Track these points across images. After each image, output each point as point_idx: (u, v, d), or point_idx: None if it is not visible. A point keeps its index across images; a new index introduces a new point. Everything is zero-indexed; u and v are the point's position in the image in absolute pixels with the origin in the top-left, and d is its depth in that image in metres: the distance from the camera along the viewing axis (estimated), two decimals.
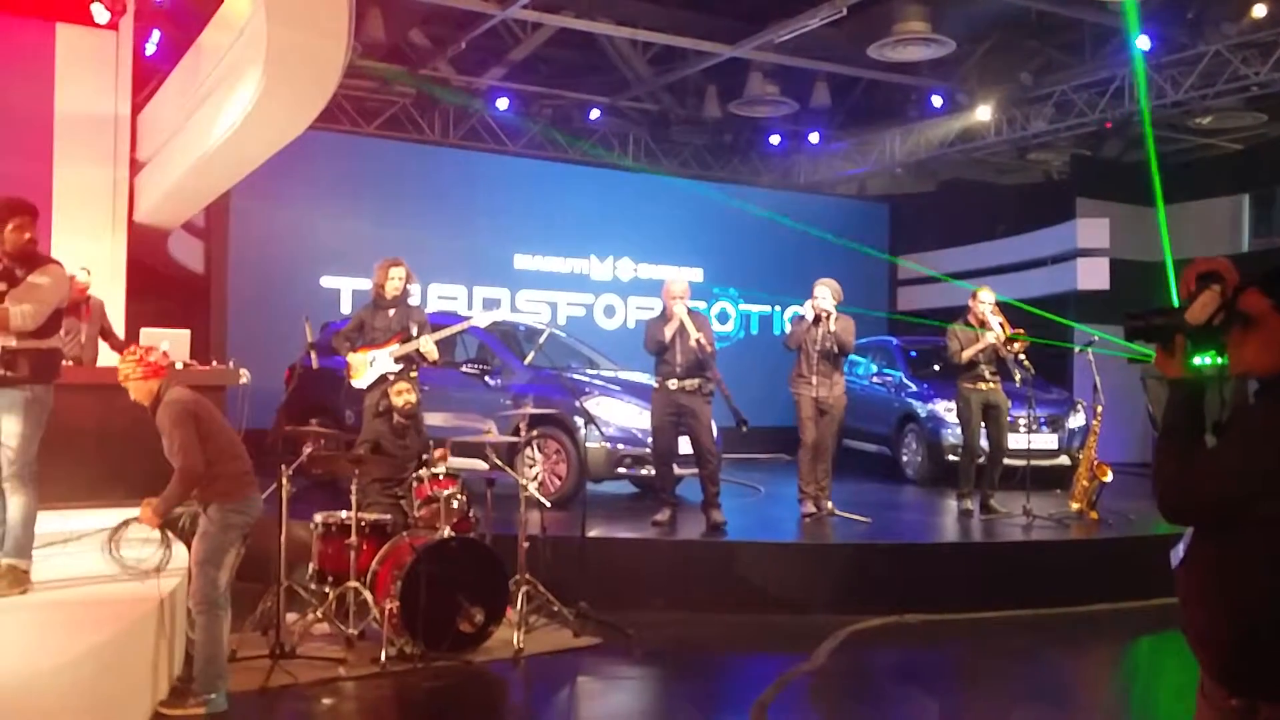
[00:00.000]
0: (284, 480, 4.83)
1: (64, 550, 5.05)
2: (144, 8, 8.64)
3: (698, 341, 6.70)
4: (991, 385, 7.55)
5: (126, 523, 4.35)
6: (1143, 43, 9.46)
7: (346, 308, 10.92)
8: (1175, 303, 2.04)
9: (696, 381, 6.81)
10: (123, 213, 8.57)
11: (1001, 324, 7.53)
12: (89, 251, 7.95)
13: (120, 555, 4.27)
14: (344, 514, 5.22)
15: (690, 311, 6.88)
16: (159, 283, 9.80)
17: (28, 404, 4.29)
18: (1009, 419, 7.75)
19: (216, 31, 7.04)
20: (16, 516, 4.29)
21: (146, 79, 9.10)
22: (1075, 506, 7.64)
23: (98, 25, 8.28)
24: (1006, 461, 7.76)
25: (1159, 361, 2.05)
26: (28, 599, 4.24)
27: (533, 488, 5.71)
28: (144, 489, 4.23)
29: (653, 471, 7.30)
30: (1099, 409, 7.85)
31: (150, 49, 9.25)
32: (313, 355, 6.81)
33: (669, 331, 6.78)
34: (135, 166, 8.72)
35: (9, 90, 8.00)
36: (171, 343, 7.00)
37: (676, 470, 7.32)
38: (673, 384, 6.80)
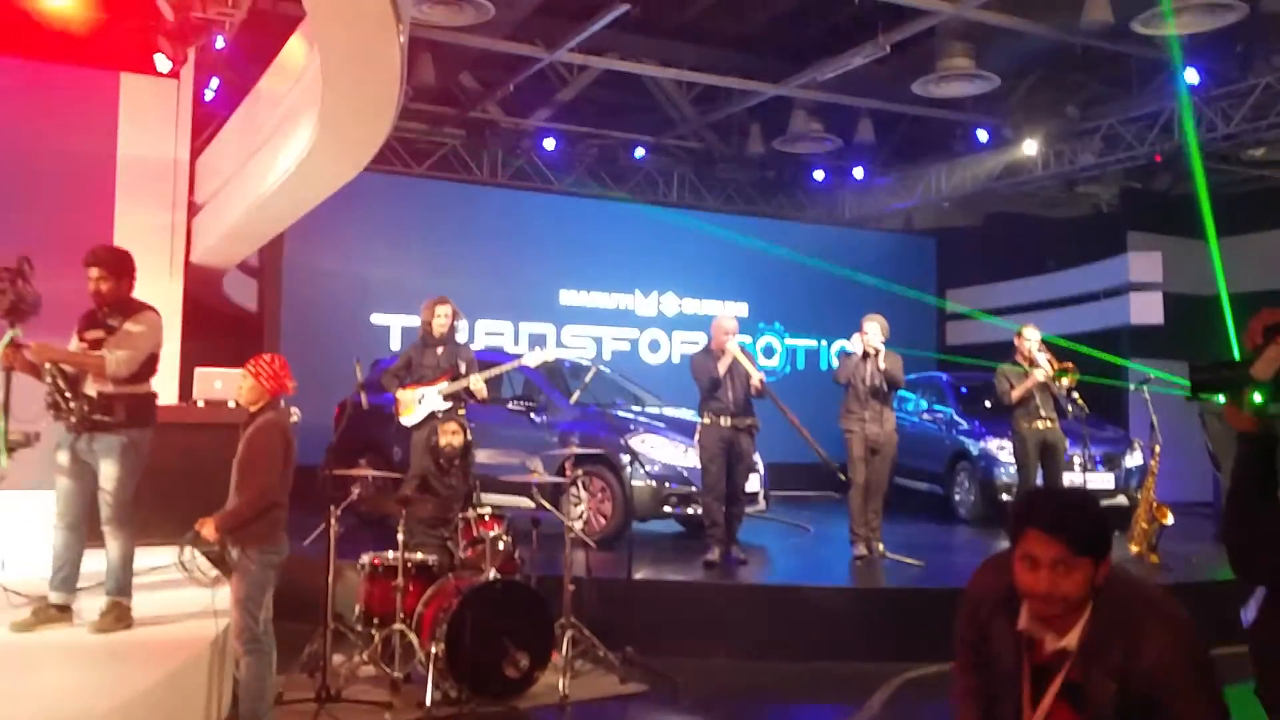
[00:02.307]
0: (332, 520, 4.87)
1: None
2: (204, 56, 8.90)
3: (760, 381, 6.73)
4: (1049, 424, 7.41)
5: (196, 534, 4.09)
6: (1191, 76, 9.31)
7: (396, 344, 11.07)
8: (1233, 342, 2.00)
9: (748, 421, 6.88)
10: (180, 254, 8.77)
11: (1049, 360, 7.41)
12: (148, 291, 8.11)
13: (194, 562, 4.14)
14: (390, 554, 5.23)
15: (742, 349, 6.92)
16: (214, 321, 10.00)
17: (124, 449, 4.43)
18: (1064, 458, 7.60)
19: (274, 78, 7.22)
20: (116, 556, 4.44)
21: (205, 124, 9.36)
22: (1134, 550, 7.42)
23: (160, 74, 8.55)
24: None
25: (1229, 414, 1.99)
26: (82, 639, 4.31)
27: (578, 527, 5.68)
28: (192, 526, 4.23)
29: (699, 510, 7.24)
30: (1156, 448, 7.64)
31: (209, 95, 9.51)
32: (363, 395, 6.91)
33: (722, 368, 6.81)
34: (193, 209, 8.95)
35: (75, 137, 8.27)
36: (225, 381, 7.12)
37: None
38: (725, 420, 6.82)
